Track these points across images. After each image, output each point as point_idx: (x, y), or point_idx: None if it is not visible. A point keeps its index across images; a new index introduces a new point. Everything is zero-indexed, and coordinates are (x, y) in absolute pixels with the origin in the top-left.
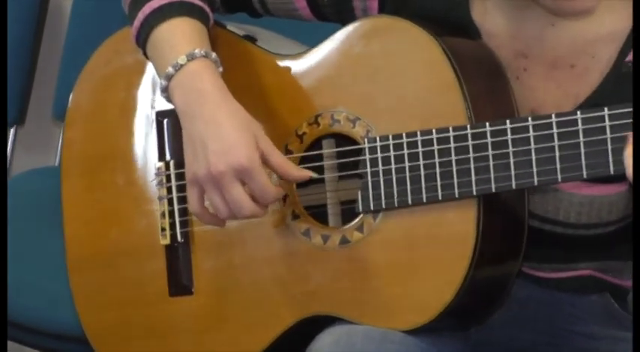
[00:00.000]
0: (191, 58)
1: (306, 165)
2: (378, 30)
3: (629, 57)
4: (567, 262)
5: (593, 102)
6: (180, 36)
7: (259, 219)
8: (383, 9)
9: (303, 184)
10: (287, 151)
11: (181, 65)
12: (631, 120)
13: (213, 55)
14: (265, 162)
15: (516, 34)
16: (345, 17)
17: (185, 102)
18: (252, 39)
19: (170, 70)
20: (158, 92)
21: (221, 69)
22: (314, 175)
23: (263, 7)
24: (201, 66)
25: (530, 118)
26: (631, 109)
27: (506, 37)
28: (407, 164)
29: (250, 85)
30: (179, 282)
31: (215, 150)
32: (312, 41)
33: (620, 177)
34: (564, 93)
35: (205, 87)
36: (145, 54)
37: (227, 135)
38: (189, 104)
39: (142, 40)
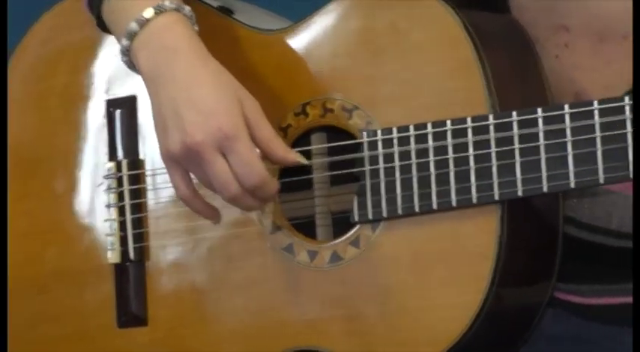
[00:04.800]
0: (159, 10)
1: (291, 166)
2: (383, 0)
3: None
4: (616, 282)
5: None
6: None
7: (230, 232)
8: None
9: (287, 188)
10: None
11: (147, 19)
12: None
13: (187, 8)
14: (253, 134)
15: (553, 4)
16: None
17: (153, 65)
18: (228, 11)
19: (133, 25)
20: (109, 76)
21: (197, 27)
22: (303, 161)
23: None
24: (172, 20)
25: (567, 106)
26: None
27: (540, 9)
28: (414, 162)
29: (227, 65)
30: (130, 311)
31: (190, 118)
32: (297, 16)
33: None
34: (616, 71)
35: (177, 44)
36: (98, 23)
37: (205, 99)
38: (158, 66)
39: (97, 1)
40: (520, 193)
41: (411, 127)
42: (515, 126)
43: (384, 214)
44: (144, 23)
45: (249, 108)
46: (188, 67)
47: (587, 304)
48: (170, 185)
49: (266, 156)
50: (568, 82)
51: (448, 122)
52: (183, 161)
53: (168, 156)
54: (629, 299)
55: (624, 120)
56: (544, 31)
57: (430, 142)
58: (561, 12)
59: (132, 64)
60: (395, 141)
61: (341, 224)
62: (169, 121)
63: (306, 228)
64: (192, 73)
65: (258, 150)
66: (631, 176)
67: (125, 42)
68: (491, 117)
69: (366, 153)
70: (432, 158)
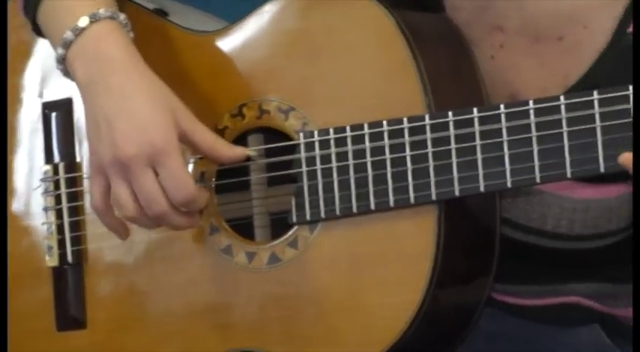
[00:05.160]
0: (94, 19)
1: (227, 168)
2: (317, 1)
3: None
4: (552, 283)
5: (587, 84)
6: None
7: (169, 234)
8: None
9: (224, 189)
10: None
11: (82, 28)
12: (628, 106)
13: (122, 16)
14: (189, 142)
15: (488, 4)
16: None
17: (87, 74)
18: (163, 13)
19: (68, 34)
20: (46, 78)
21: (132, 34)
22: (252, 153)
23: None
24: (107, 29)
25: (502, 106)
26: (627, 92)
27: (474, 9)
28: (351, 163)
29: (161, 68)
30: (69, 314)
31: (123, 130)
32: (234, 17)
33: (621, 176)
34: (551, 72)
35: (113, 53)
36: (34, 27)
37: (138, 111)
38: (93, 75)
39: (32, 6)
40: (457, 193)
41: (348, 128)
42: (451, 126)
43: (322, 215)
44: (79, 32)
45: (182, 118)
46: (122, 77)
47: (524, 305)
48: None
49: (213, 160)
50: (503, 83)
51: (384, 123)
52: (110, 173)
53: (97, 165)
54: (566, 299)
55: (560, 120)
56: (479, 32)
57: (367, 143)
58: (496, 12)
59: (67, 72)
60: (332, 142)
61: (279, 225)
62: (102, 131)
63: (244, 229)
64: (126, 84)
65: (189, 166)
66: (568, 175)
67: (60, 51)
68: (427, 117)
69: (302, 154)
70: (369, 159)
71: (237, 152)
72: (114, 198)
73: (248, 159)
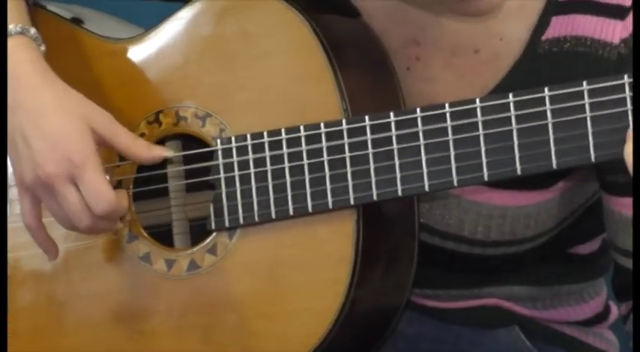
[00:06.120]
0: None
1: (144, 175)
2: (232, 6)
3: (547, 35)
4: (470, 288)
5: (502, 92)
6: None
7: (88, 242)
8: None
9: (142, 196)
10: (120, 157)
11: None
12: (544, 108)
13: (33, 30)
14: (111, 146)
15: (404, 19)
16: None
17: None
18: (78, 21)
19: None
20: None
21: (43, 47)
22: (170, 153)
23: None
24: (16, 45)
25: (418, 110)
26: (543, 94)
27: (390, 21)
28: (269, 169)
29: (76, 76)
30: None
31: (40, 149)
32: (150, 23)
33: (541, 182)
34: (469, 84)
35: (21, 69)
36: None
37: (52, 128)
38: (7, 93)
39: None
40: (375, 198)
41: (265, 134)
42: (368, 130)
43: (241, 221)
44: None
45: (99, 123)
46: (32, 94)
47: (443, 308)
48: None
49: (133, 160)
50: (419, 94)
51: (301, 128)
52: (37, 191)
53: (21, 183)
54: (485, 302)
55: (476, 123)
56: (394, 43)
57: (284, 149)
58: (411, 26)
59: None
60: (249, 148)
61: (198, 232)
62: (20, 150)
63: (163, 236)
64: (36, 100)
65: (107, 176)
66: (485, 178)
67: None
68: (344, 122)
69: (220, 160)
70: (286, 164)
71: (157, 151)
72: (51, 214)
73: (166, 161)
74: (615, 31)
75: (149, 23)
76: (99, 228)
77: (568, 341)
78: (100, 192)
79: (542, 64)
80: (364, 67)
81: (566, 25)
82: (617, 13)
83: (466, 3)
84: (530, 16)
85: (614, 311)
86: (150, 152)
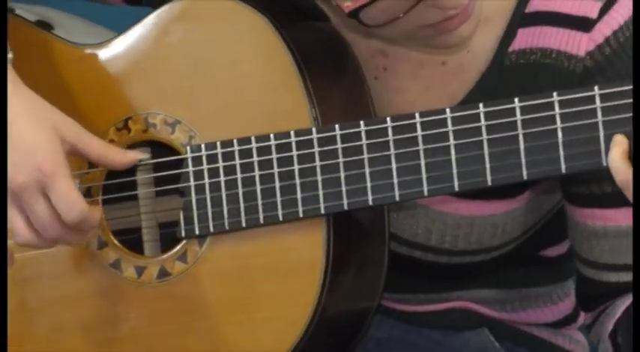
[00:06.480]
0: None
1: (114, 182)
2: (199, 12)
3: (513, 46)
4: (438, 292)
5: (469, 103)
6: None
7: (57, 249)
8: None
9: (111, 202)
10: (89, 165)
11: None
12: (515, 118)
13: None
14: (81, 153)
15: (370, 33)
16: None
17: None
18: (46, 25)
19: None
20: None
21: (11, 55)
22: (143, 156)
23: None
24: None
25: (389, 119)
26: (513, 105)
27: (357, 33)
28: (239, 177)
29: (43, 83)
30: None
31: (11, 160)
32: (120, 28)
33: (508, 192)
34: (437, 95)
35: None
36: None
37: (21, 136)
38: None
39: None
40: (346, 207)
41: (235, 142)
42: (338, 139)
43: (211, 229)
44: None
45: (68, 132)
46: None
47: (412, 311)
48: None
49: (106, 166)
50: (388, 104)
51: (272, 136)
52: (14, 201)
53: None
54: (454, 305)
55: (447, 132)
56: (362, 53)
57: (255, 157)
58: (378, 39)
59: None
60: (219, 156)
61: (168, 239)
62: None
63: (133, 243)
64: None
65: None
66: (455, 189)
67: None
68: (314, 131)
69: (190, 168)
70: (257, 172)
71: (130, 156)
72: (11, 225)
73: (135, 168)
74: (581, 44)
75: (119, 26)
76: (65, 239)
77: (537, 342)
78: (71, 200)
79: (509, 76)
80: (334, 74)
81: (532, 37)
82: (583, 25)
83: (436, 38)
84: (497, 28)
85: (584, 313)
86: (125, 156)
